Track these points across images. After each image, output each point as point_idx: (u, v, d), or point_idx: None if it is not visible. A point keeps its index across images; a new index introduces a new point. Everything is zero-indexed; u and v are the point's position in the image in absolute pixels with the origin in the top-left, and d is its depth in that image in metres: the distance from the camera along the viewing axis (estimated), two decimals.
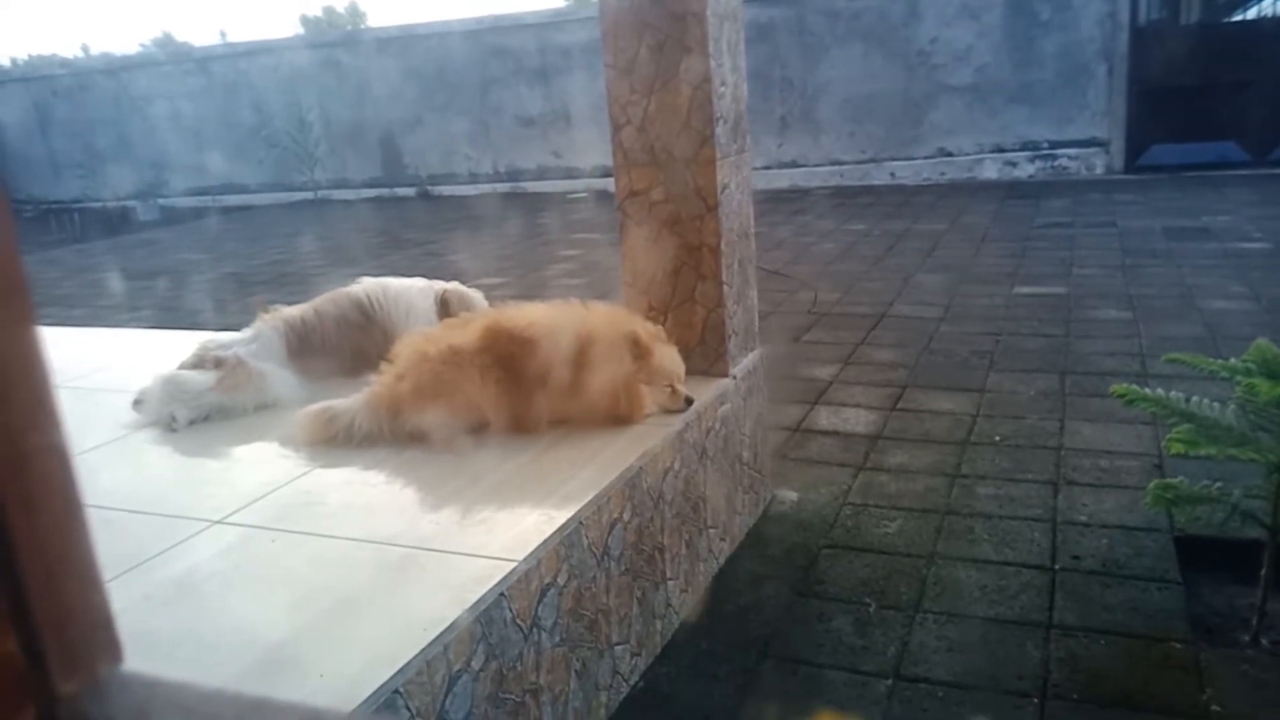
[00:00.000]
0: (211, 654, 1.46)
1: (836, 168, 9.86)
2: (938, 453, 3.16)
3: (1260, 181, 7.99)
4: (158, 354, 3.31)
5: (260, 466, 2.17)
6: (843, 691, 2.01)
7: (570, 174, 10.90)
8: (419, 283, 2.90)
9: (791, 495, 2.91)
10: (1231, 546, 2.36)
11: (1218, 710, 1.86)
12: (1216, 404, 2.17)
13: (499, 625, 1.58)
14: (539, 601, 1.69)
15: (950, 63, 9.28)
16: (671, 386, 2.32)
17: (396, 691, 1.37)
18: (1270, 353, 2.12)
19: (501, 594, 1.59)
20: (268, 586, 1.67)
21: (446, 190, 11.70)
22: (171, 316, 6.20)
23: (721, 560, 2.51)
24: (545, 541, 1.72)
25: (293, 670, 1.40)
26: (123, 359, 3.26)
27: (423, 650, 1.43)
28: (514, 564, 1.64)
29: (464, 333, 2.28)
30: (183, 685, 0.42)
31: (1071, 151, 9.05)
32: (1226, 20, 9.07)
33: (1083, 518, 2.67)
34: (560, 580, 1.75)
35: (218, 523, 1.90)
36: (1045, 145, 9.14)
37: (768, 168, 9.70)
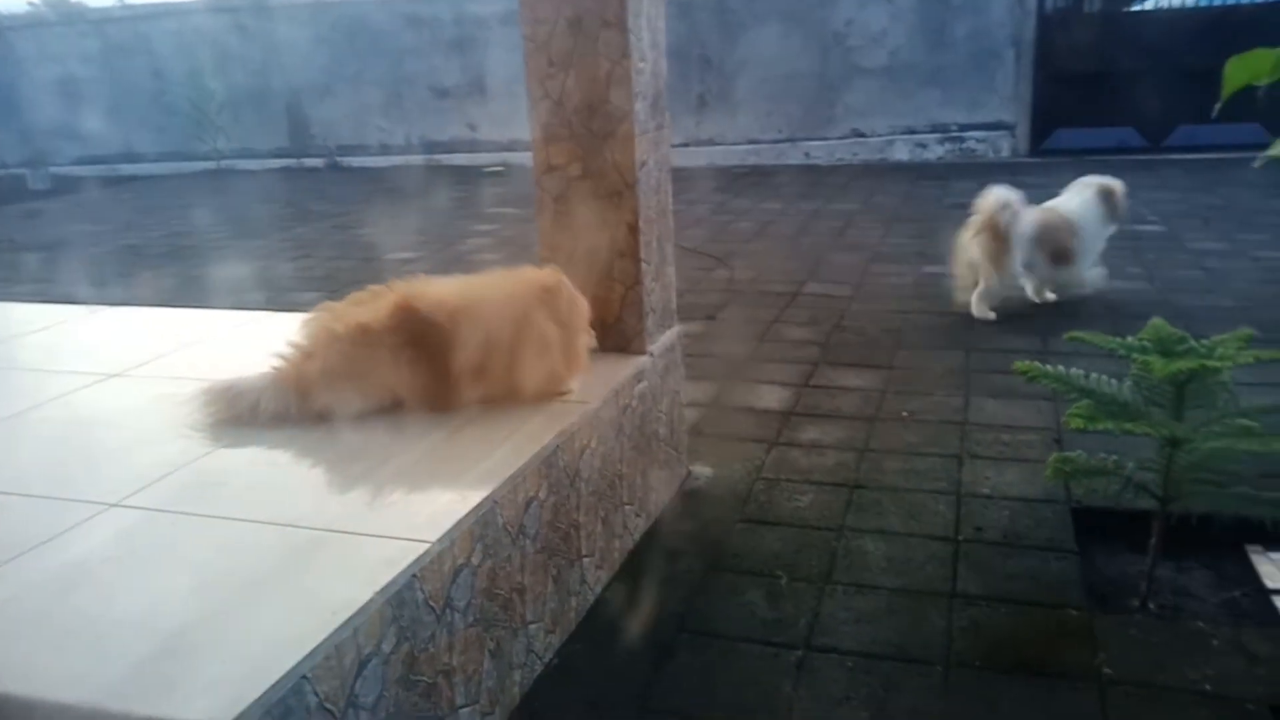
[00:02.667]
0: (108, 642, 1.40)
1: (753, 146, 9.92)
2: (848, 428, 3.22)
3: (1156, 166, 8.31)
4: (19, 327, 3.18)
5: (159, 446, 2.09)
6: (755, 664, 2.04)
7: (486, 147, 10.73)
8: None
9: (707, 471, 2.94)
10: (1125, 517, 2.46)
11: (1109, 673, 1.94)
12: (1113, 380, 2.25)
13: (410, 607, 1.56)
14: (452, 582, 1.67)
15: (865, 45, 9.41)
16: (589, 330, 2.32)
17: (304, 677, 1.33)
18: (1164, 331, 2.21)
19: (413, 576, 1.57)
20: (168, 572, 1.61)
21: (357, 161, 11.41)
22: (51, 290, 5.90)
23: (637, 536, 2.52)
24: (459, 522, 1.70)
25: (193, 657, 1.36)
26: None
27: (331, 634, 1.40)
28: (426, 545, 1.62)
29: (373, 310, 2.22)
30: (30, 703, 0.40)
31: (979, 134, 9.29)
32: (1127, 9, 9.37)
33: (985, 490, 2.76)
34: (474, 560, 1.74)
35: (114, 505, 1.82)
36: (955, 128, 9.35)
37: (686, 145, 9.70)
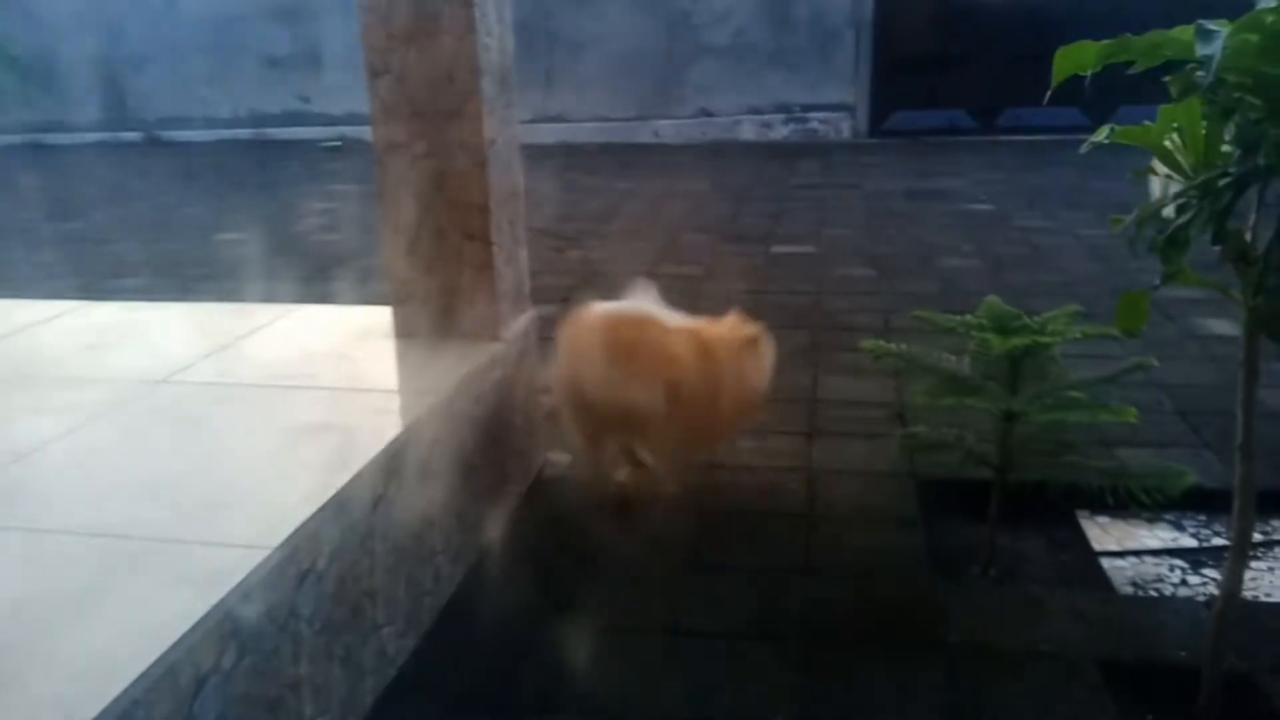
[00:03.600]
0: None
1: (603, 124, 9.88)
2: None
3: (986, 148, 8.76)
4: None
5: None
6: (618, 652, 2.02)
7: (322, 120, 10.25)
8: None
9: (564, 458, 2.90)
10: (966, 487, 2.57)
11: (954, 639, 2.02)
12: (953, 357, 2.34)
13: (251, 620, 1.46)
14: (297, 590, 1.57)
15: (710, 24, 9.50)
16: None
17: (136, 701, 1.22)
18: (999, 309, 2.30)
19: (253, 586, 1.46)
20: None
21: (179, 135, 10.70)
22: None
23: (494, 528, 2.46)
24: (303, 526, 1.60)
25: (7, 690, 1.22)
26: None
27: (164, 654, 1.29)
28: (266, 552, 1.51)
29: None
30: None
31: (821, 115, 9.55)
32: None
33: (836, 465, 2.83)
34: (320, 565, 1.64)
35: None
36: (798, 108, 9.58)
37: (533, 121, 9.55)
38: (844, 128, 9.53)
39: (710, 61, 9.59)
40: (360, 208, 6.82)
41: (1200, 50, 1.27)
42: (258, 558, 1.50)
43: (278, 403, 2.16)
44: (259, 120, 10.51)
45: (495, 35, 2.37)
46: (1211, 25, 1.29)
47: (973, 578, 2.31)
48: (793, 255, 5.29)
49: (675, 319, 2.52)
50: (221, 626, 1.39)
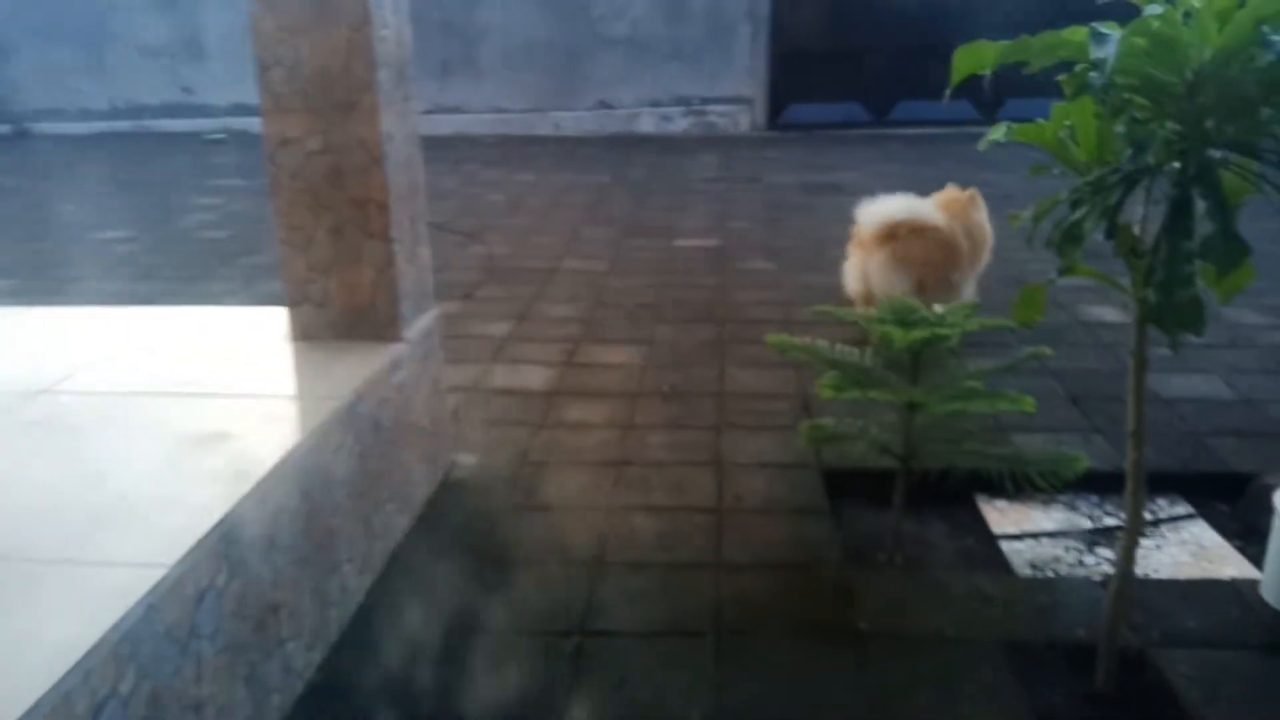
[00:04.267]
0: None
1: (501, 115, 9.77)
2: (612, 405, 3.23)
3: (881, 140, 8.97)
4: None
5: None
6: (531, 657, 1.99)
7: (205, 112, 9.86)
8: None
9: (471, 459, 2.85)
10: (871, 476, 2.62)
11: (864, 627, 2.06)
12: (854, 350, 2.39)
13: (149, 641, 1.38)
14: (196, 608, 1.50)
15: (608, 15, 9.48)
16: None
17: None
18: (900, 303, 2.36)
19: (150, 606, 1.39)
20: None
21: (51, 128, 10.15)
22: None
23: (400, 535, 2.40)
24: (201, 541, 1.52)
25: None
26: None
27: (58, 682, 1.21)
28: (163, 571, 1.44)
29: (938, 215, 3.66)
30: None
31: (720, 108, 9.63)
32: None
33: (744, 459, 2.85)
34: (220, 582, 1.57)
35: None
36: (697, 101, 9.64)
37: (430, 113, 9.38)
38: (742, 121, 9.63)
39: (608, 54, 9.57)
40: (249, 203, 6.57)
41: (1094, 53, 1.31)
42: (154, 576, 1.42)
43: (168, 412, 2.05)
44: (138, 112, 10.05)
45: (392, 27, 2.30)
46: (1104, 29, 1.33)
47: (880, 564, 2.36)
48: (695, 249, 5.31)
49: (925, 204, 3.73)
50: (119, 650, 1.32)
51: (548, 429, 3.06)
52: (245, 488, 1.68)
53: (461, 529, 2.49)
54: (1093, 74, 1.37)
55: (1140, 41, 1.38)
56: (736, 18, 9.36)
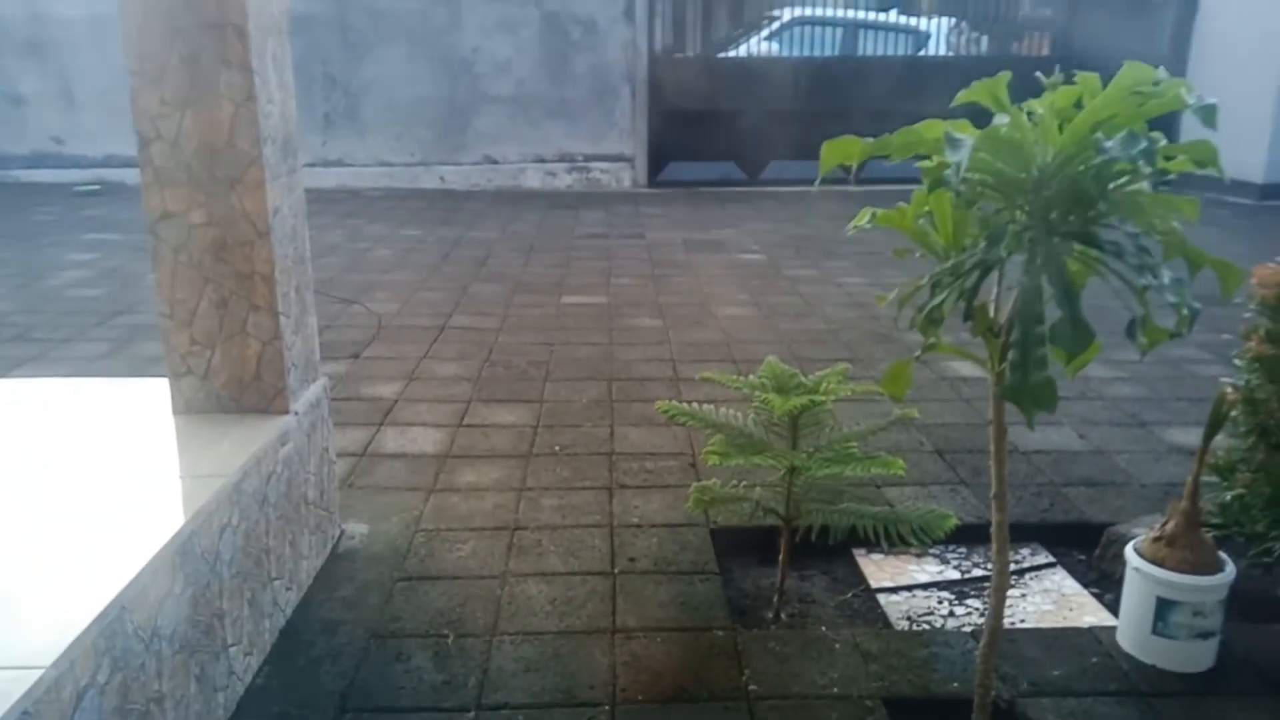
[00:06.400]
0: None
1: (385, 169, 9.71)
2: (504, 467, 3.24)
3: (754, 198, 9.29)
4: None
5: None
6: None
7: (77, 162, 9.47)
8: None
9: (361, 528, 2.81)
10: (757, 535, 2.71)
11: (755, 689, 2.13)
12: (739, 414, 2.48)
13: None
14: (74, 709, 1.45)
15: (491, 73, 9.58)
16: None
17: None
18: (779, 369, 2.47)
19: (24, 713, 1.34)
20: None
21: None
22: None
23: (289, 612, 2.35)
24: (79, 638, 1.47)
25: None
26: None
27: None
28: (39, 672, 1.39)
29: None
30: None
31: (603, 165, 9.81)
32: (721, 55, 10.39)
33: (635, 519, 2.91)
34: (101, 679, 1.52)
35: None
36: (580, 158, 9.80)
37: (312, 165, 9.26)
38: (624, 177, 9.83)
39: (494, 110, 9.65)
40: (125, 258, 6.34)
41: (949, 156, 1.44)
42: (29, 679, 1.37)
43: (39, 492, 1.98)
44: (4, 162, 9.56)
45: (277, 102, 2.30)
46: (958, 135, 1.47)
47: (767, 623, 2.44)
48: (583, 306, 5.39)
49: None
50: None
51: (439, 493, 3.05)
52: (126, 579, 1.63)
53: (353, 602, 2.45)
54: (948, 172, 1.49)
55: (991, 147, 1.52)
56: (617, 79, 9.60)
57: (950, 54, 10.41)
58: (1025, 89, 1.65)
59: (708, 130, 9.78)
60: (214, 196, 2.25)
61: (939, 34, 10.59)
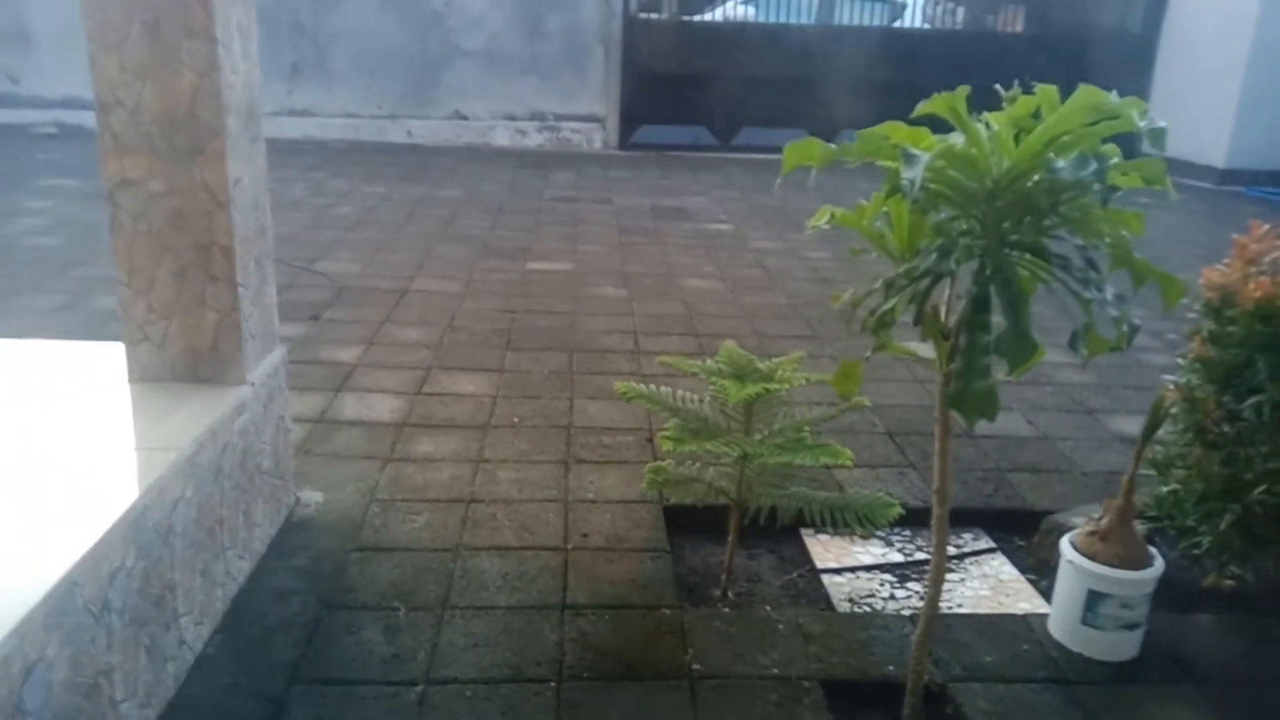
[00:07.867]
0: None
1: (352, 120, 9.57)
2: (462, 438, 3.27)
3: (725, 164, 9.29)
4: None
5: None
6: (375, 707, 2.02)
7: (33, 103, 9.23)
8: None
9: (317, 497, 2.83)
10: (709, 513, 2.76)
11: (698, 669, 2.19)
12: (696, 398, 2.52)
13: None
14: (23, 684, 1.47)
15: (464, 27, 9.43)
16: None
17: None
18: (737, 355, 2.50)
19: None
20: None
21: None
22: None
23: (242, 581, 2.37)
24: (29, 615, 1.49)
25: None
26: None
27: None
28: None
29: None
30: None
31: (574, 125, 9.74)
32: (697, 18, 10.31)
33: (590, 495, 2.95)
34: (50, 653, 1.54)
35: None
36: (552, 117, 9.72)
37: (277, 115, 9.10)
38: (595, 139, 9.77)
39: (465, 64, 9.52)
40: (82, 205, 6.22)
41: (905, 173, 1.47)
42: None
43: None
44: None
45: (241, 72, 2.28)
46: (914, 150, 1.50)
47: (714, 602, 2.50)
48: (548, 272, 5.39)
49: None
50: None
51: (396, 463, 3.07)
52: (78, 554, 1.64)
53: (306, 571, 2.48)
54: (904, 183, 1.53)
55: (945, 161, 1.55)
56: (591, 39, 9.50)
57: (926, 26, 10.41)
58: (999, 66, 1.69)
59: (680, 93, 9.74)
60: (174, 166, 2.23)
61: (915, 5, 10.58)
